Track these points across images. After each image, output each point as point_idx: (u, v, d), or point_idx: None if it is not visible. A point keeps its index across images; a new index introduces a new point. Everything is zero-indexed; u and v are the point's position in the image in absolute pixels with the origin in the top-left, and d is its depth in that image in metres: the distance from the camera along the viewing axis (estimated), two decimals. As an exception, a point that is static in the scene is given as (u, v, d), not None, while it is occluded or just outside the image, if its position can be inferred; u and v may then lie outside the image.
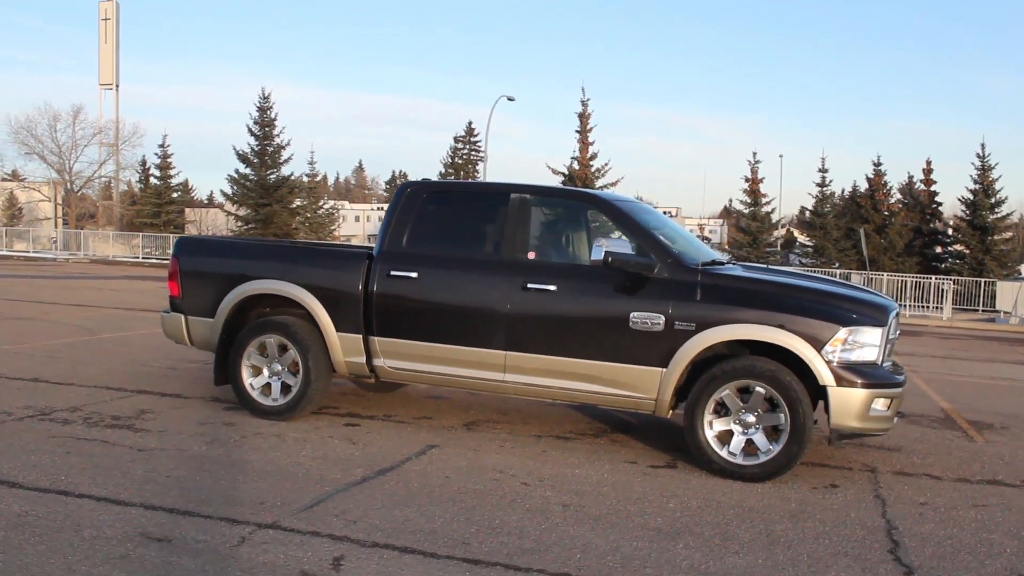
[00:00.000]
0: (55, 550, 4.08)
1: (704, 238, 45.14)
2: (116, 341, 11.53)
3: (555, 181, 40.65)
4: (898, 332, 6.61)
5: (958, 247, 38.84)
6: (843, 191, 42.69)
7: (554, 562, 4.21)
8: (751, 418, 5.96)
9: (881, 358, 5.96)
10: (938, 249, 39.41)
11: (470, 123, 61.67)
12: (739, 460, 5.95)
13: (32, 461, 5.55)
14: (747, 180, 39.82)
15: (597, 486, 5.62)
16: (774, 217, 40.38)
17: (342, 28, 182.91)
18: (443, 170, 62.08)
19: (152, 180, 51.99)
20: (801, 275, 7.14)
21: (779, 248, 44.37)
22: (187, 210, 59.33)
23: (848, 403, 5.76)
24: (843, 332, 5.80)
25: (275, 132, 45.75)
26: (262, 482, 5.35)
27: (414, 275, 6.73)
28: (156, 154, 50.27)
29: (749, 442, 5.97)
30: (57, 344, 11.02)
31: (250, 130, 45.39)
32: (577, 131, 40.76)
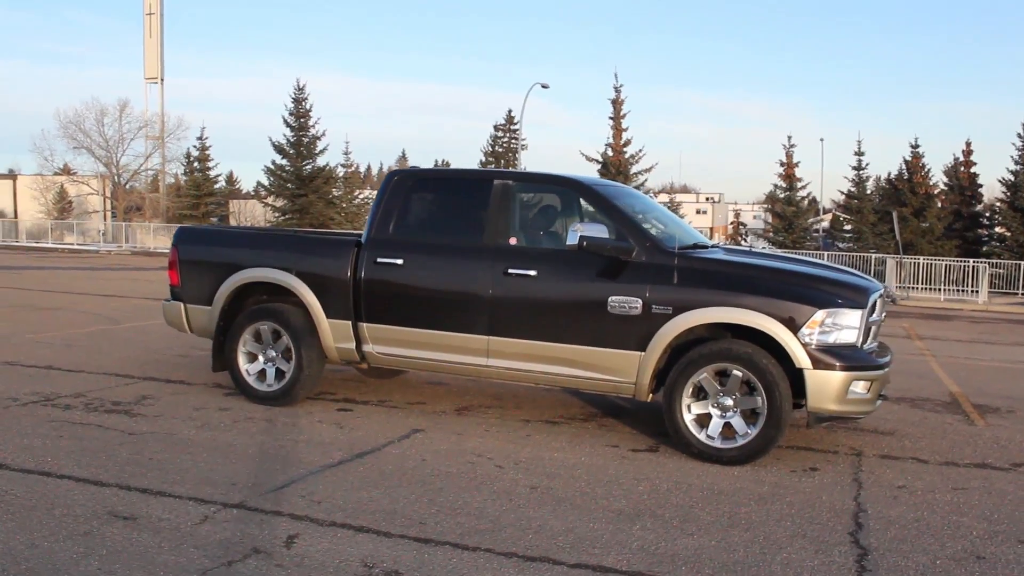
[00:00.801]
0: (23, 527, 4.25)
1: (740, 224, 44.82)
2: (136, 330, 11.80)
3: (589, 168, 40.57)
4: (883, 314, 6.56)
5: (999, 230, 37.98)
6: (886, 175, 41.69)
7: (504, 542, 4.28)
8: (729, 401, 5.97)
9: (861, 340, 5.93)
10: (979, 232, 38.57)
11: (509, 111, 61.58)
12: (717, 443, 5.96)
13: (24, 444, 5.75)
14: (782, 164, 39.32)
15: (571, 469, 5.67)
16: (811, 201, 39.92)
17: (383, 17, 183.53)
18: (483, 159, 62.14)
19: (180, 171, 52.74)
20: (785, 258, 7.10)
21: (820, 233, 43.82)
22: (231, 201, 60.15)
23: (825, 386, 5.74)
24: (820, 314, 5.77)
25: (310, 123, 46.20)
26: (240, 464, 5.49)
27: (400, 262, 6.83)
28: (195, 146, 51.06)
29: (727, 425, 5.98)
30: (78, 333, 11.32)
31: (285, 121, 45.91)
32: (611, 117, 40.58)
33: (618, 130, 40.30)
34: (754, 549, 4.34)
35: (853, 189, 39.49)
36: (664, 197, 47.25)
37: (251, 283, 7.35)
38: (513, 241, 6.64)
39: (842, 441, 6.75)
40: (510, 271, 6.46)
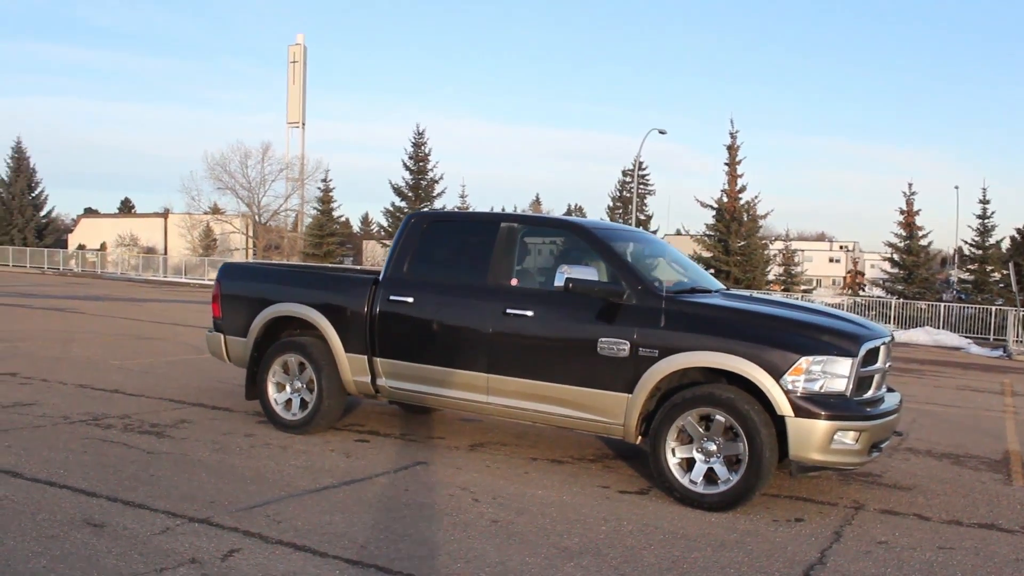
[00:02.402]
0: (3, 527, 4.69)
1: (857, 272, 43.24)
2: (213, 361, 12.44)
3: (704, 214, 40.17)
4: (887, 363, 6.39)
5: None
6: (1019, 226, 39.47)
7: (429, 568, 4.44)
8: (712, 447, 5.94)
9: (851, 389, 5.80)
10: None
11: (639, 157, 61.75)
12: (700, 488, 5.93)
13: (47, 456, 6.28)
14: (902, 212, 37.89)
15: (545, 507, 5.76)
16: (930, 251, 38.21)
17: (515, 62, 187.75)
18: (611, 203, 62.49)
19: (314, 211, 55.01)
20: (786, 304, 6.98)
21: (952, 284, 41.86)
22: (364, 242, 62.22)
23: (807, 435, 5.65)
24: (803, 361, 5.70)
25: (429, 166, 47.64)
26: (230, 484, 5.83)
27: (411, 300, 7.12)
28: (319, 187, 53.24)
29: (711, 471, 5.94)
30: (160, 361, 12.10)
31: (405, 164, 47.51)
32: (726, 163, 40.15)
33: (733, 176, 39.84)
34: (677, 591, 4.33)
35: (977, 239, 37.63)
36: (780, 244, 46.14)
37: (281, 317, 7.78)
38: (514, 282, 6.83)
39: (848, 493, 6.57)
40: (508, 311, 6.64)
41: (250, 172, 54.91)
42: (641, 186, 64.17)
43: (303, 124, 57.64)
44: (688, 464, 6.02)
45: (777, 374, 5.71)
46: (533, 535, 5.13)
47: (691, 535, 5.33)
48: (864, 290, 42.87)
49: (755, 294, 7.30)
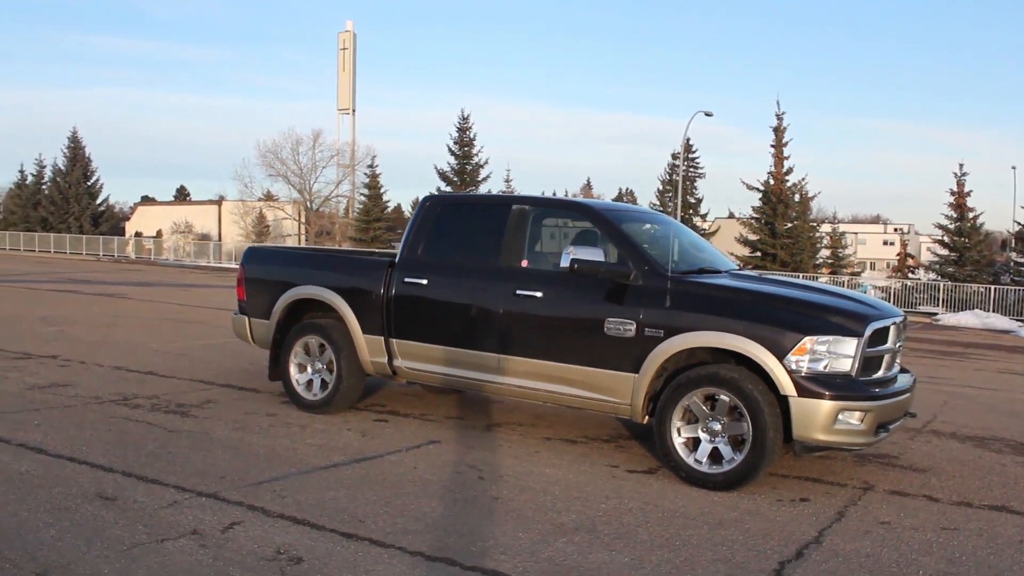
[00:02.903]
0: (19, 500, 4.91)
1: (907, 255, 42.41)
2: (246, 344, 12.75)
3: (751, 196, 39.76)
4: (898, 344, 6.33)
5: None
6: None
7: (421, 542, 4.54)
8: (717, 426, 5.95)
9: (857, 369, 5.77)
10: None
11: (688, 139, 61.18)
12: (705, 468, 5.95)
13: (72, 434, 6.52)
14: (952, 193, 37.04)
15: (548, 485, 5.83)
16: (986, 231, 37.28)
17: (569, 46, 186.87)
18: (660, 187, 62.09)
19: (361, 198, 55.54)
20: (795, 285, 6.92)
21: (1006, 265, 40.82)
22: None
23: (810, 414, 5.64)
24: (806, 341, 5.68)
25: (474, 151, 47.77)
26: (242, 461, 6.01)
27: (424, 282, 7.22)
28: (366, 173, 53.71)
29: (716, 450, 5.96)
30: (196, 344, 12.39)
31: (450, 149, 47.72)
32: (772, 145, 39.66)
33: (779, 158, 39.33)
34: (662, 569, 4.38)
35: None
36: (828, 227, 45.40)
37: (302, 299, 7.94)
38: (525, 264, 6.89)
39: (859, 474, 6.53)
40: (518, 292, 6.71)
41: (301, 159, 55.61)
42: (691, 169, 63.55)
43: (353, 111, 58.09)
44: (694, 443, 6.04)
45: (780, 354, 5.70)
46: (531, 512, 5.21)
47: (691, 513, 5.36)
48: (913, 273, 42.02)
49: (764, 274, 7.25)
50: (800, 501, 5.78)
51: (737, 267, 7.46)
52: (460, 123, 48.00)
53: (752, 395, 5.73)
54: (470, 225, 7.42)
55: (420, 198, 7.94)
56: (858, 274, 42.21)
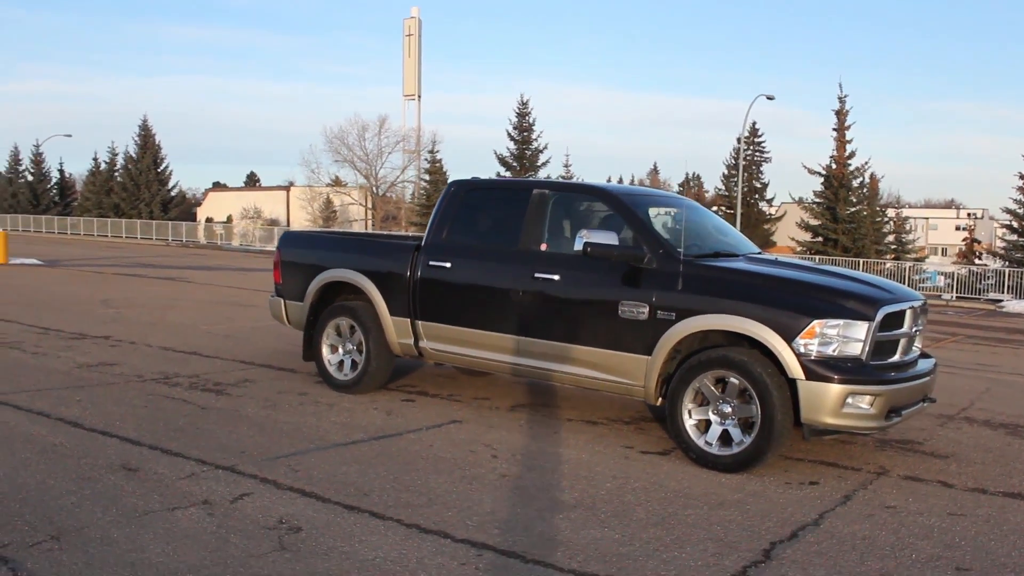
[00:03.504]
0: (48, 469, 5.21)
1: (973, 241, 41.15)
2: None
3: (812, 181, 39.09)
4: (915, 328, 6.27)
5: None
6: None
7: (419, 515, 4.70)
8: (728, 409, 5.99)
9: (867, 353, 5.75)
10: None
11: (754, 123, 60.36)
12: (715, 450, 5.99)
13: (109, 410, 6.84)
14: (1021, 177, 35.82)
15: (558, 464, 5.94)
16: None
17: (636, 29, 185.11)
18: (725, 171, 61.47)
19: (424, 183, 55.98)
20: (810, 268, 6.86)
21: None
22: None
23: (818, 398, 5.64)
24: (815, 324, 5.68)
25: (533, 136, 47.79)
26: (266, 437, 6.24)
27: (448, 265, 7.37)
28: (426, 159, 54.10)
29: (726, 432, 6.00)
30: (245, 327, 12.76)
31: (509, 135, 47.79)
32: (834, 128, 38.88)
33: (841, 141, 38.55)
34: (651, 546, 4.46)
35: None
36: (891, 212, 44.32)
37: (334, 282, 8.16)
38: (544, 247, 6.99)
39: (877, 459, 6.50)
40: (537, 275, 6.82)
41: (367, 145, 56.24)
42: (757, 153, 62.71)
43: (418, 96, 58.51)
44: (705, 425, 6.09)
45: (789, 337, 5.71)
46: (535, 489, 5.33)
47: (694, 494, 5.42)
48: (980, 259, 40.84)
49: (780, 258, 7.22)
50: (809, 484, 5.79)
51: (757, 251, 7.43)
52: (519, 108, 48.10)
53: (761, 378, 5.75)
54: (493, 209, 7.54)
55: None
56: (921, 260, 41.20)
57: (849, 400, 5.64)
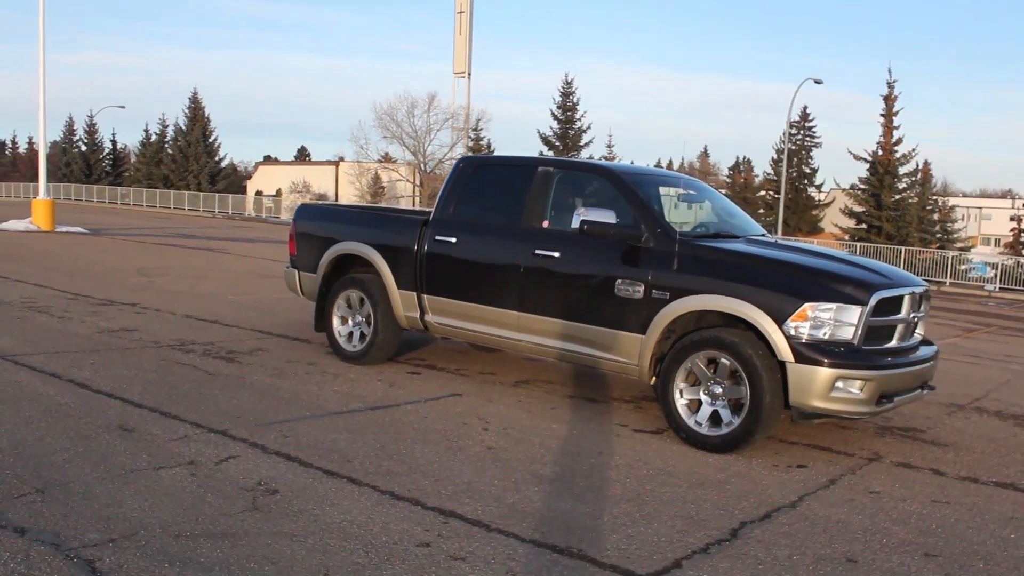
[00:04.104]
0: (49, 427, 5.41)
1: (1021, 231, 40.06)
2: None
3: (857, 167, 38.46)
4: (914, 315, 6.21)
5: None
6: None
7: (395, 483, 4.80)
8: (719, 389, 6.00)
9: (859, 338, 5.72)
10: None
11: (805, 108, 59.36)
12: (704, 430, 6.02)
13: (119, 374, 7.04)
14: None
15: (547, 439, 6.01)
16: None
17: (692, 9, 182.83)
18: (774, 156, 60.69)
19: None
20: (810, 252, 6.79)
21: None
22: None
23: (807, 381, 5.63)
24: (806, 307, 5.66)
25: (576, 116, 47.61)
26: (264, 404, 6.39)
27: (453, 240, 7.45)
28: (470, 136, 54.15)
29: (715, 413, 6.02)
30: (271, 297, 12.97)
31: (553, 114, 47.69)
32: (881, 114, 38.18)
33: (888, 127, 37.90)
34: (619, 520, 4.51)
35: None
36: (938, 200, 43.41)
37: (345, 255, 8.29)
38: (546, 224, 7.03)
39: (873, 445, 6.47)
40: (537, 252, 6.87)
41: (416, 122, 56.35)
42: (807, 138, 61.70)
43: (468, 74, 58.45)
44: (696, 405, 6.11)
45: (780, 319, 5.70)
46: (517, 462, 5.40)
47: (678, 473, 5.46)
48: (1030, 249, 39.89)
49: (779, 240, 7.16)
50: (796, 467, 5.79)
51: (762, 234, 7.38)
52: (563, 87, 47.99)
53: (751, 359, 5.75)
54: (499, 186, 7.59)
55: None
56: (967, 250, 40.32)
57: (839, 384, 5.62)
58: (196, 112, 63.82)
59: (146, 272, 15.52)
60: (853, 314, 5.71)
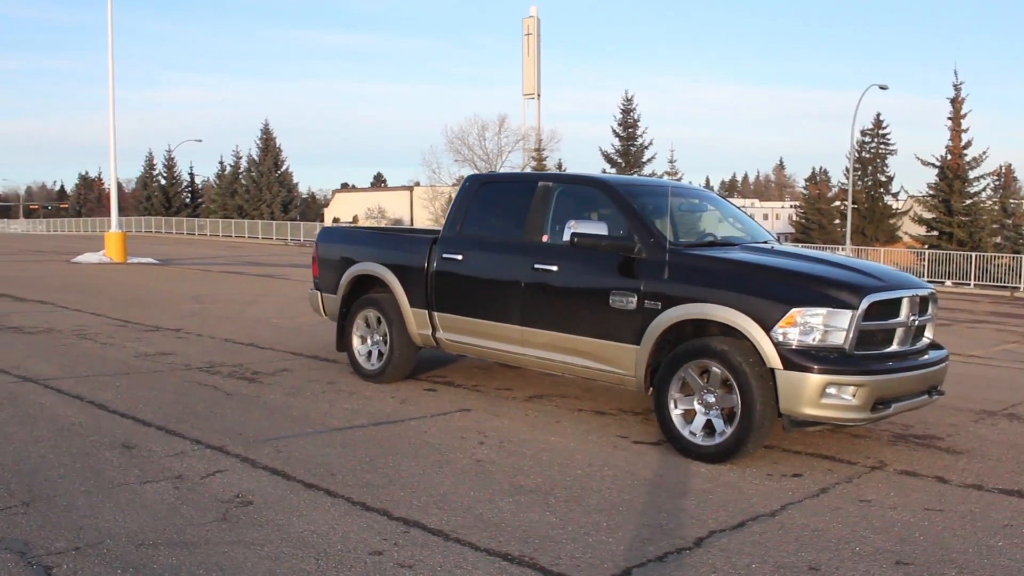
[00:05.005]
0: (55, 443, 5.68)
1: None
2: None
3: (926, 172, 37.42)
4: (914, 318, 6.07)
5: None
6: None
7: (372, 495, 4.90)
8: (712, 399, 5.96)
9: (851, 342, 5.62)
10: None
11: (878, 115, 58.00)
12: (698, 440, 5.98)
13: (140, 395, 7.33)
14: None
15: (540, 451, 6.04)
16: None
17: (755, 22, 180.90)
18: (847, 165, 59.53)
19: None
20: (806, 257, 6.65)
21: None
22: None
23: (796, 387, 5.55)
24: (794, 312, 5.60)
25: (638, 133, 47.48)
26: (269, 421, 6.58)
27: (460, 257, 7.57)
28: (532, 156, 54.41)
29: (709, 422, 5.97)
30: (313, 320, 13.14)
31: (614, 131, 47.62)
32: (949, 118, 37.11)
33: (957, 131, 36.84)
34: (583, 530, 4.51)
35: None
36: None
37: (362, 275, 8.47)
38: (545, 238, 7.09)
39: (880, 453, 6.33)
40: (536, 266, 6.93)
41: (487, 144, 57.01)
42: (881, 145, 60.26)
43: (538, 95, 58.91)
44: (691, 416, 6.07)
45: (767, 325, 5.64)
46: (502, 474, 5.45)
47: (663, 483, 5.43)
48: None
49: (776, 246, 7.04)
50: (792, 476, 5.70)
51: (765, 241, 7.28)
52: (624, 104, 47.89)
53: (741, 367, 5.70)
54: (502, 202, 7.69)
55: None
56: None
57: (830, 390, 5.53)
58: (268, 143, 65.64)
59: (201, 299, 16.02)
60: (843, 318, 5.62)
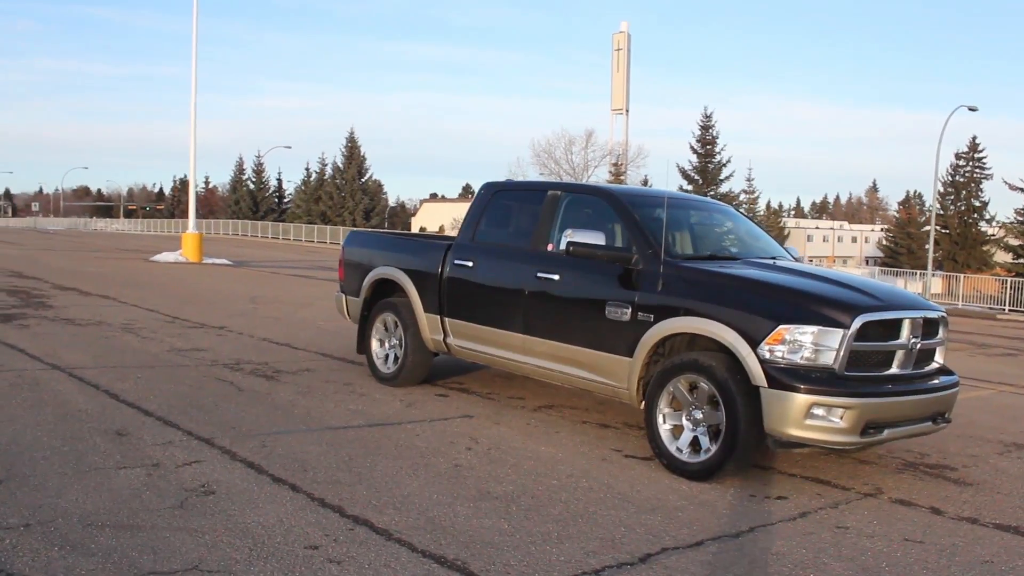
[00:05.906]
0: (53, 428, 5.91)
1: None
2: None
3: (1016, 197, 35.92)
4: (915, 340, 5.83)
5: None
6: None
7: (333, 492, 4.96)
8: (700, 415, 5.86)
9: (841, 363, 5.45)
10: None
11: (974, 138, 56.25)
12: (684, 457, 5.88)
13: (155, 387, 7.56)
14: None
15: (525, 460, 6.02)
16: None
17: (865, 41, 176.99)
18: (941, 189, 57.80)
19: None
20: (806, 273, 6.42)
21: None
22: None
23: (781, 407, 5.42)
24: (781, 329, 5.46)
25: (716, 150, 46.91)
26: (267, 417, 6.72)
27: (470, 264, 7.61)
28: (610, 171, 54.25)
29: (696, 439, 5.87)
30: (342, 324, 13.43)
31: (692, 147, 47.15)
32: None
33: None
34: (531, 539, 4.48)
35: None
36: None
37: (382, 279, 8.59)
38: (550, 247, 7.07)
39: (879, 480, 6.11)
40: (539, 275, 6.92)
41: (574, 159, 57.26)
42: (976, 169, 58.30)
43: (626, 110, 58.83)
44: (679, 431, 5.97)
45: (755, 341, 5.51)
46: (475, 479, 5.45)
47: (636, 499, 5.35)
48: None
49: (783, 262, 6.82)
50: (776, 498, 5.56)
51: (773, 257, 7.09)
52: (703, 121, 47.39)
53: (726, 383, 5.59)
54: (514, 211, 7.72)
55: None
56: None
57: (816, 411, 5.37)
58: (352, 151, 67.04)
59: (258, 300, 16.42)
60: (833, 337, 5.45)
